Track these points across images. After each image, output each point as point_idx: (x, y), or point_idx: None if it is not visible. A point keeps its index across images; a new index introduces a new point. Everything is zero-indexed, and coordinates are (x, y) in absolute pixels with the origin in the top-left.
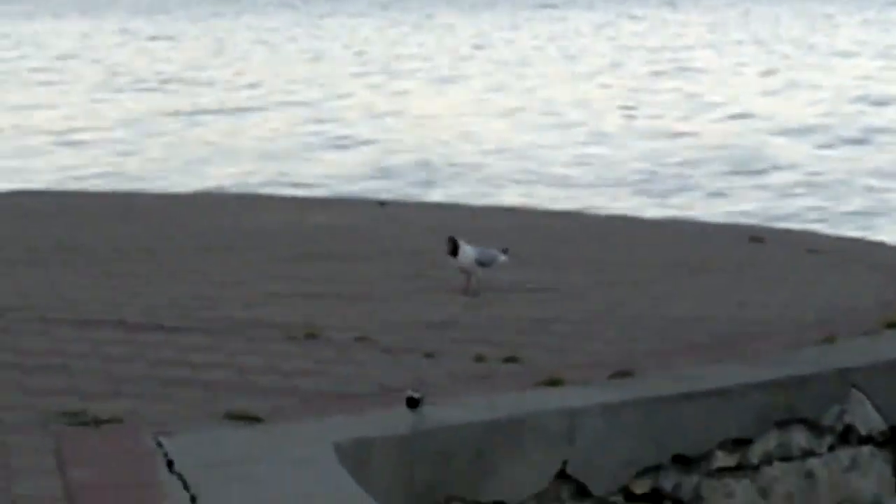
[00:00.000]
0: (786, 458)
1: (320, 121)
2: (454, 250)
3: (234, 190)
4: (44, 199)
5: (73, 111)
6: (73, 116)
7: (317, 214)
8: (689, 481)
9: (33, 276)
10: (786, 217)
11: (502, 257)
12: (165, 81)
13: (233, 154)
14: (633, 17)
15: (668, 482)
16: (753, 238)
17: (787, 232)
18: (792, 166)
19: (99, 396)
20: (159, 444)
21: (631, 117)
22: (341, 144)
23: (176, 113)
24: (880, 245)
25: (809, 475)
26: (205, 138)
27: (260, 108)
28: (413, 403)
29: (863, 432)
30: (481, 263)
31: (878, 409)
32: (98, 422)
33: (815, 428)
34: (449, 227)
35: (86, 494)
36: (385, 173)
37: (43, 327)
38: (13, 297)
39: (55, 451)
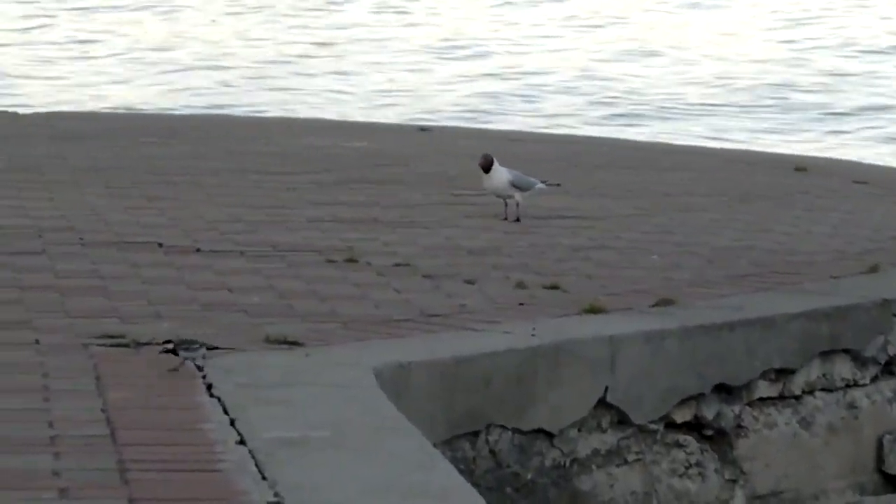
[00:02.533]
0: (828, 389)
1: None
2: (487, 166)
3: (275, 114)
4: (82, 119)
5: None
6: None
7: (357, 140)
8: (731, 411)
9: (72, 199)
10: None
11: (539, 184)
12: None
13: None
14: None
15: (709, 411)
16: (798, 168)
17: (833, 161)
18: None
19: (138, 319)
20: (198, 367)
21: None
22: None
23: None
24: None
25: (852, 406)
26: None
27: None
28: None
29: None
30: (516, 187)
31: None
32: (137, 344)
33: (858, 358)
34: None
35: (124, 416)
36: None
37: (82, 250)
38: (52, 220)
39: (94, 372)
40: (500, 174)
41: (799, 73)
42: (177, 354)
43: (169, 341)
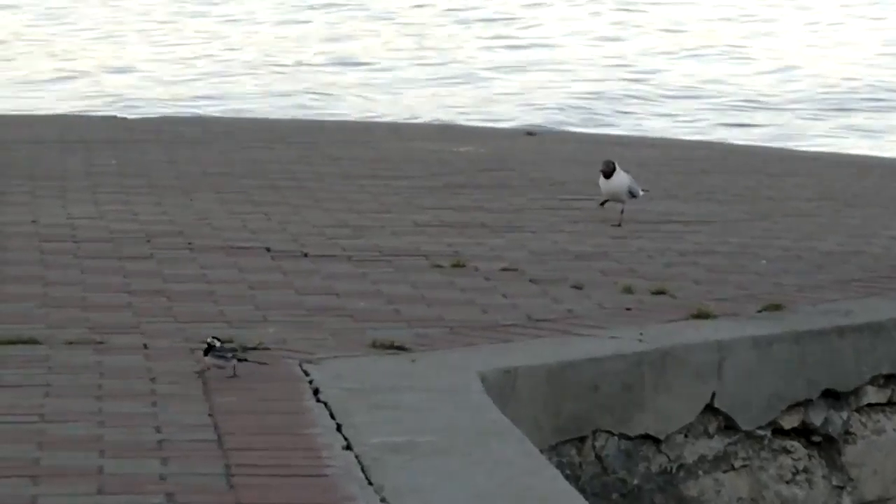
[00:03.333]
0: None
1: None
2: (610, 173)
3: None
4: (190, 124)
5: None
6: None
7: (463, 144)
8: (839, 417)
9: (180, 203)
10: None
11: (642, 191)
12: None
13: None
14: None
15: (817, 417)
16: None
17: None
18: None
19: (245, 323)
20: (305, 372)
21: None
22: None
23: None
24: None
25: None
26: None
27: None
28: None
29: None
30: (632, 194)
31: None
32: (245, 349)
33: None
34: (596, 158)
35: (231, 420)
36: None
37: (190, 254)
38: (161, 224)
39: (201, 377)
40: (622, 180)
41: None
42: (206, 355)
43: (215, 338)
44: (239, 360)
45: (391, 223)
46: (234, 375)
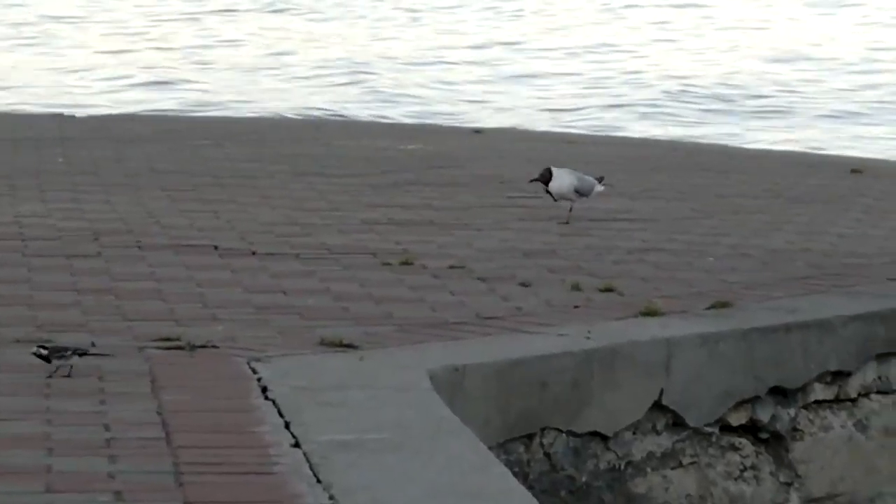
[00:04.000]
0: (884, 392)
1: None
2: (547, 180)
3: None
4: (137, 122)
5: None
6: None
7: (411, 142)
8: (786, 414)
9: (129, 202)
10: None
11: (599, 187)
12: None
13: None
14: None
15: (764, 414)
16: (854, 170)
17: (889, 163)
18: None
19: (194, 322)
20: (253, 370)
21: None
22: None
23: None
24: None
25: None
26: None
27: None
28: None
29: None
30: (580, 193)
31: None
32: (193, 347)
33: None
34: (544, 156)
35: (180, 418)
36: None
37: (139, 253)
38: (109, 222)
39: (150, 375)
40: (563, 181)
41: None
42: (49, 361)
43: (42, 346)
44: (80, 355)
45: (340, 221)
46: (69, 376)
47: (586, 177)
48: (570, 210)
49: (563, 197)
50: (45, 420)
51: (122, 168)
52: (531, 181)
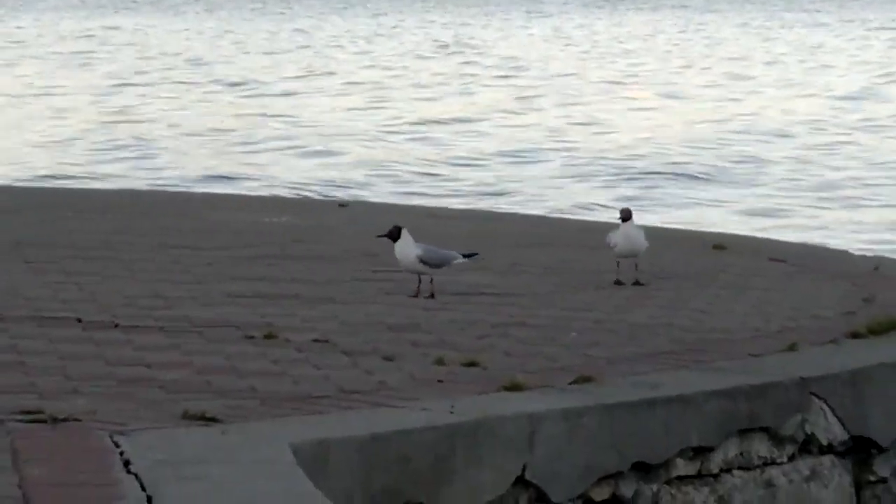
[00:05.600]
0: (746, 467)
1: None
2: (394, 237)
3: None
4: (1, 193)
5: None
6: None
7: (277, 215)
8: (649, 489)
9: None
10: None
11: (458, 259)
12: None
13: None
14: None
15: (627, 489)
16: (717, 246)
17: (750, 239)
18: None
19: (56, 395)
20: (116, 444)
21: None
22: None
23: None
24: (843, 253)
25: (769, 484)
26: None
27: None
28: None
29: (823, 442)
30: (425, 262)
31: (839, 419)
32: (55, 420)
33: (775, 437)
34: (412, 230)
35: (41, 492)
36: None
37: (0, 325)
38: None
39: (11, 449)
40: (408, 248)
41: None
42: None
43: None
44: None
45: (203, 294)
46: None
47: (441, 250)
48: (432, 282)
49: (407, 268)
50: None
51: None
52: (378, 237)
